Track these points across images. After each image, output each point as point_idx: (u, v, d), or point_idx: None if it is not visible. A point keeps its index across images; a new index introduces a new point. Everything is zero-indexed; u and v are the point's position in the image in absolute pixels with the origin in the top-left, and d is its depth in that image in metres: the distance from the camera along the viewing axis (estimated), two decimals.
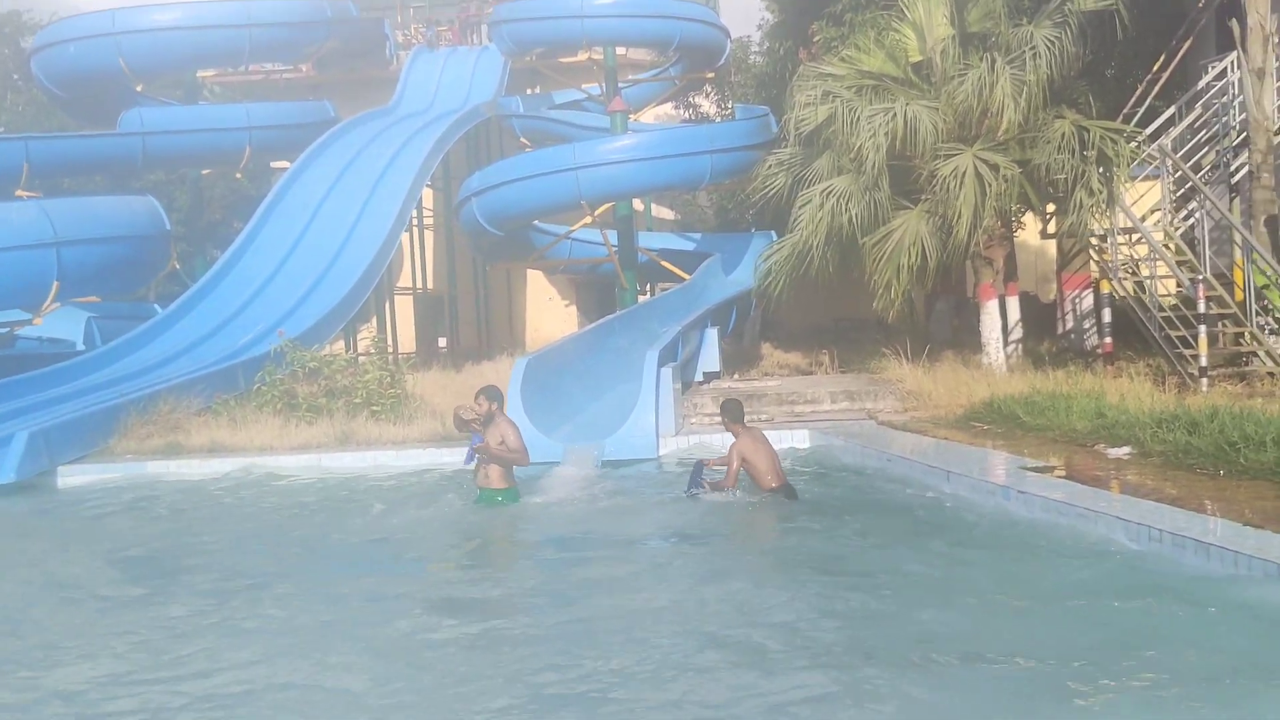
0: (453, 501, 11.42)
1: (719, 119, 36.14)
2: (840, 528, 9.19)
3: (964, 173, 15.39)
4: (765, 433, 13.39)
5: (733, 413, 10.85)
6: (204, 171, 29.84)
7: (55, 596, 8.27)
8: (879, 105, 16.13)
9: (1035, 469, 9.94)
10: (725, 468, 10.53)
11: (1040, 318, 22.19)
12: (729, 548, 9.13)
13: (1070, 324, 20.26)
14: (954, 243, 15.83)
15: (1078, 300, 20.19)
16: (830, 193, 16.48)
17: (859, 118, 16.22)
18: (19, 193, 23.39)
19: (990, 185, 15.39)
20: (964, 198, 15.27)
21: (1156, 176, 18.18)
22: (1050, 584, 7.08)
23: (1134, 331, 17.52)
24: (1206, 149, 17.15)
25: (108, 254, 21.03)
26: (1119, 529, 7.57)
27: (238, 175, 29.58)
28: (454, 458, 13.45)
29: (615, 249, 25.60)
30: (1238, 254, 16.51)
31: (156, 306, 23.07)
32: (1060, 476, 9.58)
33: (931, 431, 13.18)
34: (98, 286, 21.66)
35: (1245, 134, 16.54)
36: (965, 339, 20.22)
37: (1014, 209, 16.99)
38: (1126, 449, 10.63)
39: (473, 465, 10.82)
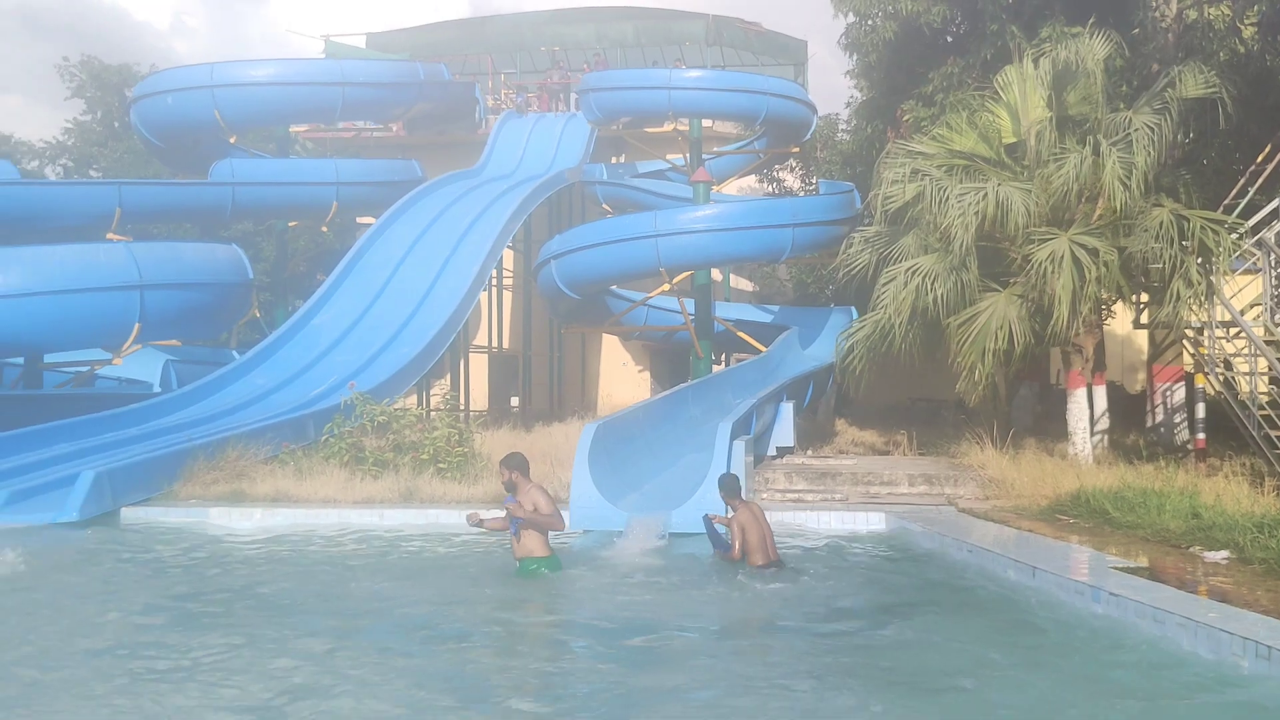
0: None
1: (802, 193, 36.00)
2: (915, 622, 8.69)
3: (1061, 257, 14.94)
4: (841, 513, 13.11)
5: (730, 488, 11.33)
6: (290, 224, 30.17)
7: (79, 638, 8.14)
8: (970, 184, 15.77)
9: (1128, 569, 9.39)
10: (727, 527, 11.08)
11: (1126, 409, 21.54)
12: (784, 643, 8.65)
13: (1160, 417, 19.58)
14: (1052, 329, 15.35)
15: (1169, 393, 19.54)
16: (916, 271, 16.11)
17: (948, 196, 15.88)
18: (110, 235, 23.73)
19: (1090, 271, 14.91)
20: (1063, 283, 14.80)
21: (1256, 271, 17.60)
22: (1145, 696, 6.58)
23: (1228, 428, 16.89)
24: None
25: (190, 299, 21.24)
26: (1224, 643, 7.03)
27: (323, 229, 29.83)
28: None
29: (692, 317, 25.37)
30: None
31: (235, 353, 23.20)
32: (1153, 579, 9.03)
33: (1014, 522, 12.64)
34: (178, 330, 21.83)
35: None
36: (1048, 427, 19.62)
37: (1107, 297, 16.45)
38: (1224, 553, 10.05)
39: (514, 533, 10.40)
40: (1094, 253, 15.20)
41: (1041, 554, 10.36)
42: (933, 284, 15.93)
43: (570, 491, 13.16)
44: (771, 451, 17.57)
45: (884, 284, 16.41)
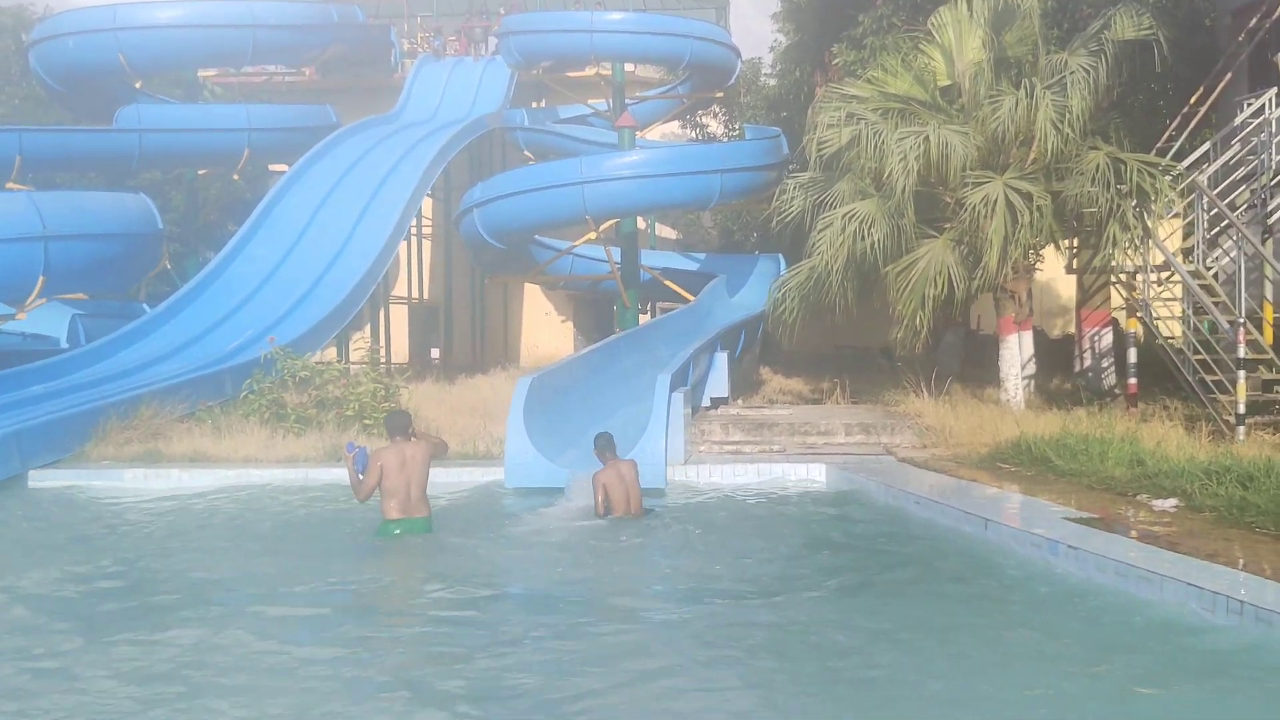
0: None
1: (726, 139, 35.61)
2: (870, 580, 8.44)
3: (995, 201, 14.74)
4: (782, 464, 12.86)
5: (604, 445, 11.20)
6: (200, 172, 29.22)
7: None
8: (908, 129, 15.49)
9: (1079, 520, 9.22)
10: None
11: (1050, 354, 21.52)
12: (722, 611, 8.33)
13: (1089, 362, 19.56)
14: (984, 274, 15.19)
15: (1097, 338, 19.52)
16: (853, 217, 15.82)
17: (884, 141, 15.59)
18: (10, 185, 22.71)
19: (1023, 215, 14.74)
20: (995, 227, 14.62)
21: (1174, 215, 17.56)
22: (1118, 660, 6.37)
23: (1154, 372, 16.88)
24: (1241, 187, 16.49)
25: (97, 250, 20.47)
26: (1192, 597, 6.85)
27: (235, 177, 28.91)
28: (449, 478, 12.83)
29: (618, 266, 24.94)
30: (1269, 294, 15.87)
31: (145, 306, 22.35)
32: (1107, 530, 8.86)
33: (955, 471, 12.47)
34: (85, 283, 21.05)
35: None
36: (973, 373, 19.57)
37: (1037, 242, 16.30)
38: (1173, 501, 9.93)
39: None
40: (1027, 197, 15.03)
41: (990, 505, 10.18)
42: (869, 229, 15.66)
43: (505, 448, 12.74)
44: (705, 402, 17.27)
45: (820, 230, 16.11)
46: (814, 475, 12.86)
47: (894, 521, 10.59)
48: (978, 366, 20.71)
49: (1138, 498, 10.38)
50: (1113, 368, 19.41)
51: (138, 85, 27.13)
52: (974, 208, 14.89)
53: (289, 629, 7.40)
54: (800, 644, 6.88)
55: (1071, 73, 15.29)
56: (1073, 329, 28.31)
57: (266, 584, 8.62)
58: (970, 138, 15.56)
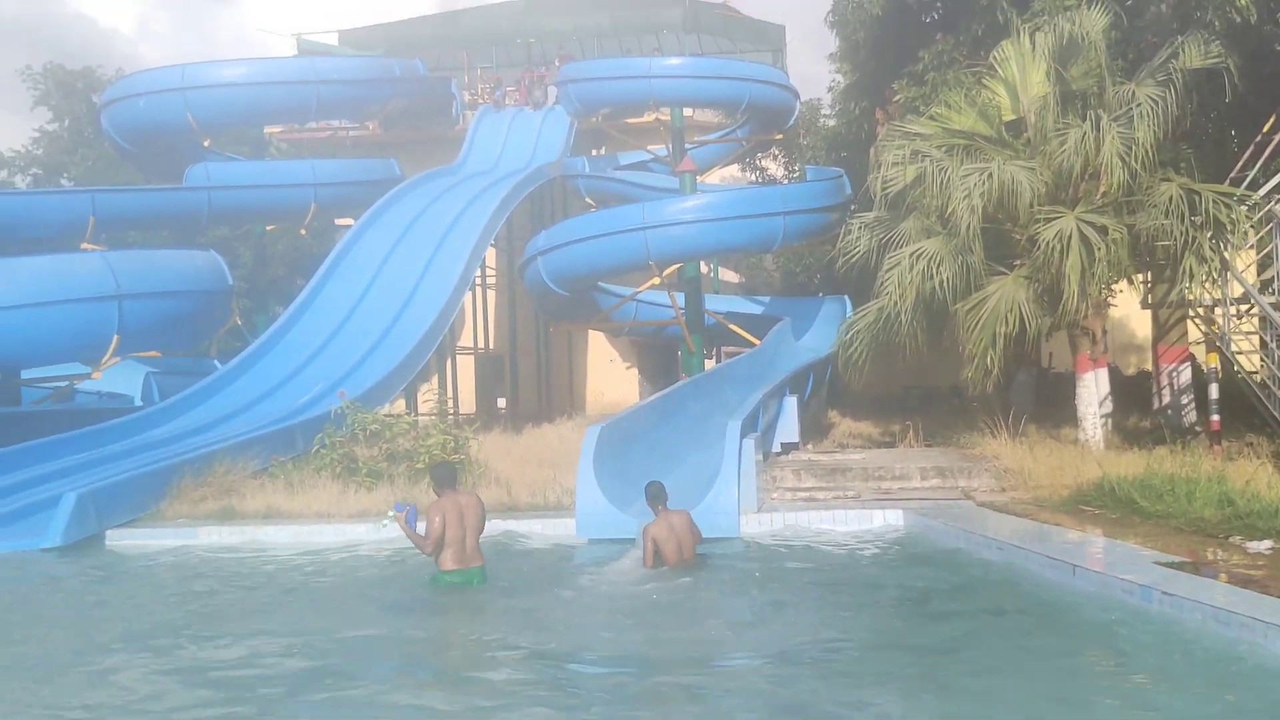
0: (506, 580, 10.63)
1: (786, 181, 35.51)
2: (960, 632, 8.18)
3: (1069, 237, 14.48)
4: (857, 511, 12.64)
5: (656, 495, 11.03)
6: (268, 228, 29.57)
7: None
8: (973, 165, 15.29)
9: (1171, 564, 8.93)
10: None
11: (1126, 391, 21.11)
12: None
13: (1167, 399, 19.14)
14: (1062, 310, 14.91)
15: (1175, 374, 19.10)
16: (920, 255, 15.62)
17: (950, 178, 15.40)
18: (84, 245, 23.11)
19: (1099, 250, 14.46)
20: (1071, 263, 14.35)
21: (1249, 247, 17.16)
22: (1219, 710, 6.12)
23: (1237, 408, 16.47)
24: None
25: (169, 308, 20.74)
26: None
27: (302, 232, 29.23)
28: (522, 527, 12.80)
29: (682, 311, 24.86)
30: None
31: (216, 363, 22.64)
32: (1198, 574, 8.57)
33: (1037, 515, 12.19)
34: (158, 341, 21.32)
35: None
36: (1047, 412, 19.18)
37: (1113, 277, 15.99)
38: (1268, 543, 9.60)
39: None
40: (1102, 231, 14.75)
41: (1076, 550, 9.90)
42: (938, 268, 15.45)
43: (576, 498, 12.64)
44: (776, 448, 17.08)
45: (887, 270, 15.91)
46: (891, 522, 12.62)
47: (977, 570, 10.31)
48: (1051, 405, 20.31)
49: (1230, 539, 10.06)
50: (1193, 404, 18.98)
51: (206, 143, 27.57)
52: (1047, 244, 14.63)
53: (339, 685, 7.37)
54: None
55: (1139, 104, 15.02)
56: (1147, 365, 27.88)
57: (325, 643, 8.57)
58: (1037, 173, 15.34)
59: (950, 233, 15.69)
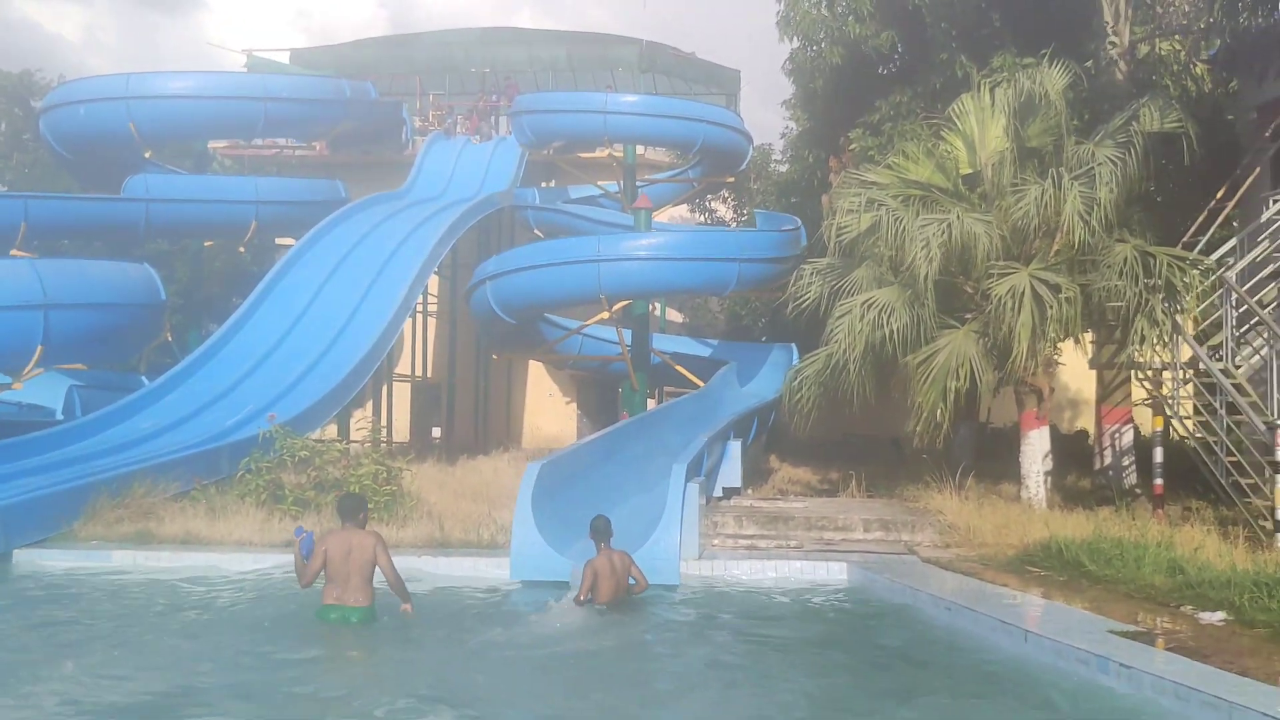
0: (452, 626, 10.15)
1: (735, 224, 35.47)
2: (907, 702, 7.81)
3: (1022, 293, 14.34)
4: (797, 563, 12.32)
5: (602, 531, 10.94)
6: (206, 243, 28.91)
7: None
8: (930, 216, 15.15)
9: (1125, 633, 8.66)
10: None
11: (1064, 450, 21.03)
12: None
13: (1109, 460, 19.05)
14: (1011, 367, 14.77)
15: (1117, 435, 19.03)
16: (872, 304, 15.42)
17: (905, 229, 15.24)
18: (14, 251, 22.39)
19: (1051, 308, 14.33)
20: (1023, 320, 14.20)
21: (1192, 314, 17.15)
22: None
23: (1176, 472, 16.37)
24: (1270, 285, 16.12)
25: (97, 320, 20.14)
26: None
27: (241, 249, 28.62)
28: (451, 568, 12.32)
29: (629, 348, 24.53)
30: None
31: (144, 379, 21.93)
32: (1156, 646, 8.30)
33: (982, 574, 11.90)
34: (84, 353, 20.70)
35: None
36: (986, 467, 19.02)
37: (1062, 336, 15.88)
38: (1220, 615, 9.37)
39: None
40: (1055, 288, 14.63)
41: (1027, 614, 9.62)
42: (889, 318, 15.26)
43: (512, 537, 12.18)
44: (717, 492, 16.74)
45: (838, 317, 15.71)
46: (835, 575, 12.25)
47: (924, 630, 9.98)
48: (991, 460, 20.17)
49: (1181, 609, 9.82)
50: (1134, 466, 18.91)
51: (147, 155, 26.92)
52: (999, 299, 14.48)
53: None
54: None
55: (1100, 164, 14.95)
56: (1083, 423, 27.95)
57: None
58: (994, 227, 15.21)
59: (903, 283, 15.53)
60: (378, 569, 9.55)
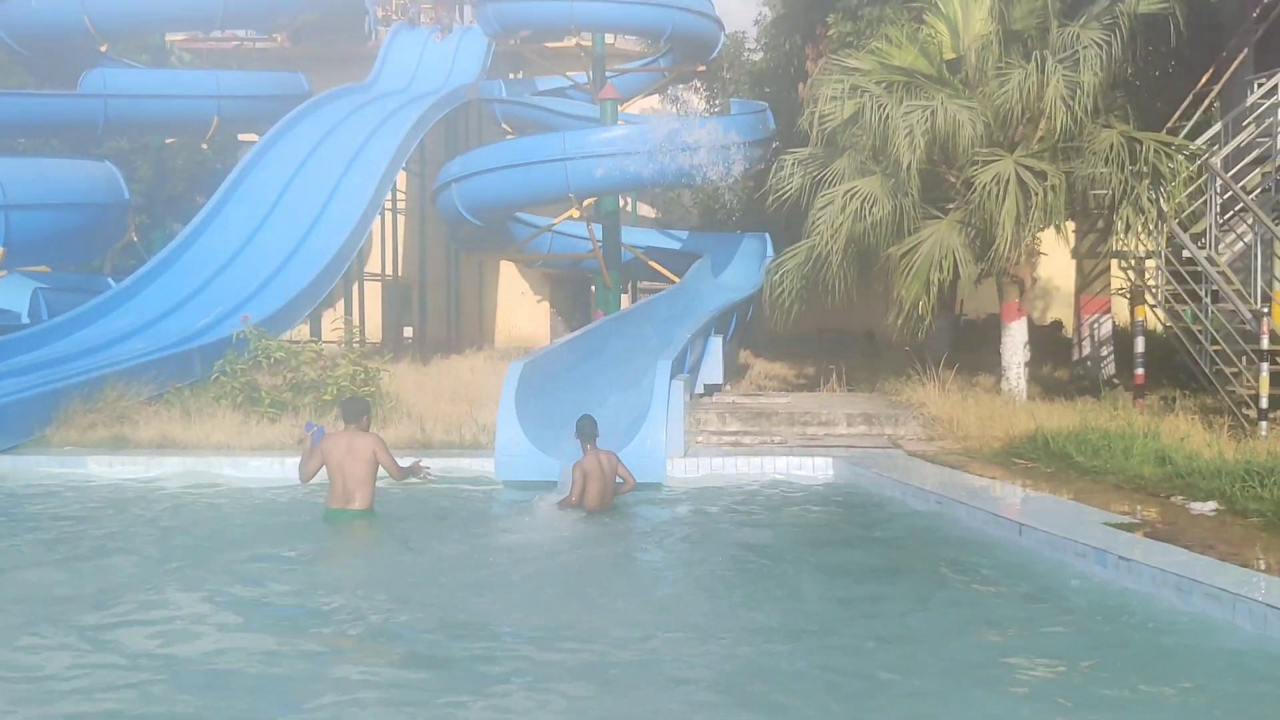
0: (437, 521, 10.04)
1: (708, 115, 34.86)
2: (908, 598, 7.73)
3: (1007, 181, 14.11)
4: (785, 458, 12.22)
5: (588, 432, 10.70)
6: (168, 140, 28.24)
7: None
8: (914, 103, 14.82)
9: (1119, 525, 8.61)
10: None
11: (1040, 342, 21.01)
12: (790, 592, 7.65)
13: (1087, 350, 19.03)
14: (995, 256, 14.59)
15: (1096, 325, 18.98)
16: (854, 195, 15.16)
17: (888, 116, 14.92)
18: None
19: (1036, 196, 14.12)
20: (1007, 208, 13.99)
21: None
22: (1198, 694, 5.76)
23: (1154, 361, 16.34)
24: (1254, 171, 15.93)
25: (60, 221, 19.77)
26: (1271, 620, 6.24)
27: (203, 146, 27.96)
28: (435, 466, 12.13)
29: (600, 244, 24.20)
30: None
31: (110, 280, 21.51)
32: (1149, 536, 8.25)
33: (969, 466, 11.87)
34: (48, 255, 20.32)
35: None
36: (962, 359, 19.00)
37: (1047, 224, 15.68)
38: (1212, 505, 9.35)
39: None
40: (1041, 176, 14.41)
41: (1019, 507, 9.57)
42: (871, 208, 15.00)
43: (496, 438, 12.01)
44: (699, 389, 16.60)
45: (820, 208, 15.43)
46: (821, 470, 12.20)
47: (916, 524, 9.92)
48: (967, 353, 20.11)
49: (1171, 499, 9.80)
50: (1112, 356, 18.90)
51: (103, 49, 26.15)
52: (984, 187, 14.25)
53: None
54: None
55: (1085, 47, 14.62)
56: (1055, 314, 27.94)
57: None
58: (978, 113, 14.91)
59: (885, 172, 15.26)
60: (380, 470, 9.79)
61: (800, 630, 6.92)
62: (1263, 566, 7.33)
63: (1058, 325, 27.12)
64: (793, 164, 16.57)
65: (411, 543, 9.37)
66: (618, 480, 10.71)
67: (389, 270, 29.49)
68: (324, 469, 9.78)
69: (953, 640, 6.65)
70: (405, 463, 10.14)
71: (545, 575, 8.43)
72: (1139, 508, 9.49)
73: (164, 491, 11.56)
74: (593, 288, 28.06)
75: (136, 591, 7.68)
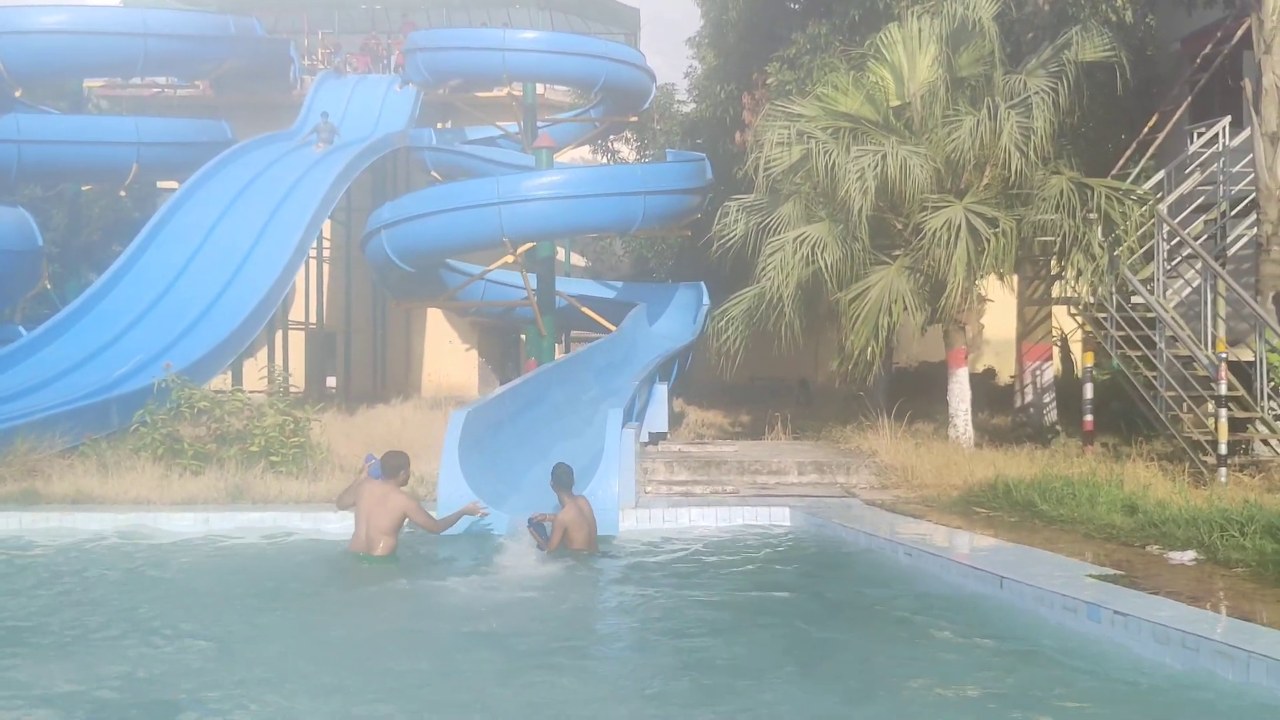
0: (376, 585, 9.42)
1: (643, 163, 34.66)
2: (901, 656, 7.24)
3: (958, 227, 13.87)
4: (737, 509, 11.81)
5: (564, 480, 10.60)
6: (84, 188, 27.30)
7: None
8: (863, 148, 14.57)
9: (1103, 577, 8.22)
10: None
11: (976, 389, 20.84)
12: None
13: (1030, 397, 18.85)
14: (946, 304, 14.33)
15: (1038, 373, 18.83)
16: (804, 240, 14.84)
17: (836, 161, 14.66)
18: None
19: (988, 242, 13.89)
20: (959, 255, 13.74)
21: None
22: None
23: (1098, 409, 16.15)
24: (1198, 219, 15.91)
25: None
26: None
27: (121, 193, 27.07)
28: None
29: (534, 292, 23.71)
30: (1220, 329, 15.20)
31: (21, 329, 20.54)
32: (1140, 590, 7.84)
33: (928, 515, 11.48)
34: None
35: (1244, 203, 15.38)
36: (900, 407, 18.78)
37: (998, 270, 15.48)
38: (1191, 554, 9.01)
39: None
40: (992, 222, 14.20)
41: (993, 558, 9.13)
42: (821, 253, 14.69)
43: (438, 491, 11.36)
44: (644, 438, 16.08)
45: (769, 254, 15.09)
46: (778, 520, 11.71)
47: (888, 578, 9.38)
48: (903, 400, 19.88)
49: (1147, 548, 9.46)
50: (1054, 403, 18.74)
51: (17, 94, 25.21)
52: (934, 233, 14.00)
53: None
54: None
55: (1036, 93, 14.50)
56: (988, 363, 27.90)
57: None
58: (926, 159, 14.70)
59: (834, 218, 14.99)
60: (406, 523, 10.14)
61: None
62: (1265, 620, 6.96)
63: (991, 373, 27.09)
64: (737, 210, 16.25)
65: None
66: None
67: (313, 318, 28.76)
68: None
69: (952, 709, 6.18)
70: (460, 506, 10.61)
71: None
72: (1117, 558, 9.11)
73: (74, 548, 10.79)
74: (523, 336, 27.57)
75: None
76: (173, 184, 24.97)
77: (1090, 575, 8.26)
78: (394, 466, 10.25)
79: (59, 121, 26.09)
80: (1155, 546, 9.45)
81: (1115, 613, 7.08)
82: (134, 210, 29.44)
